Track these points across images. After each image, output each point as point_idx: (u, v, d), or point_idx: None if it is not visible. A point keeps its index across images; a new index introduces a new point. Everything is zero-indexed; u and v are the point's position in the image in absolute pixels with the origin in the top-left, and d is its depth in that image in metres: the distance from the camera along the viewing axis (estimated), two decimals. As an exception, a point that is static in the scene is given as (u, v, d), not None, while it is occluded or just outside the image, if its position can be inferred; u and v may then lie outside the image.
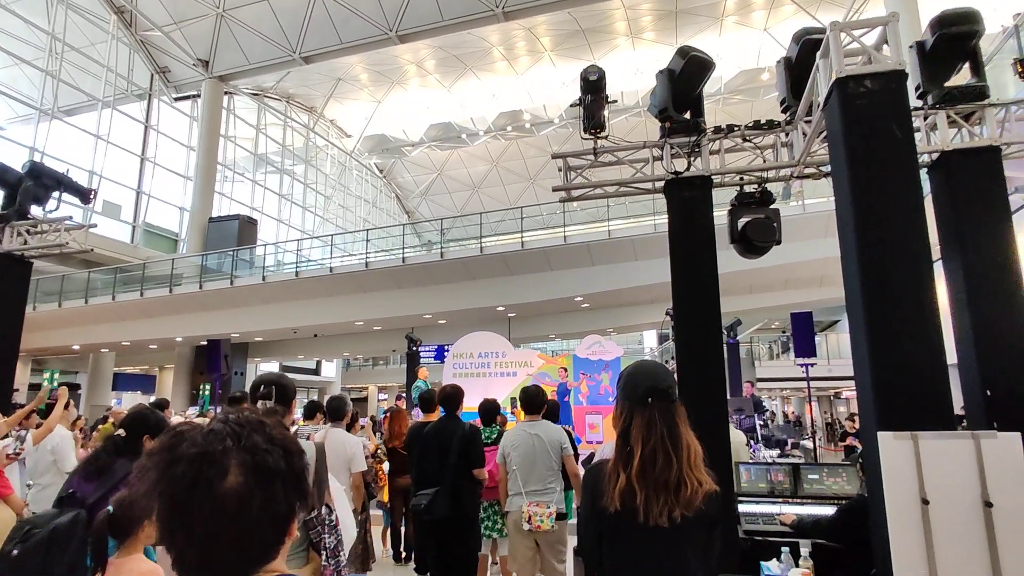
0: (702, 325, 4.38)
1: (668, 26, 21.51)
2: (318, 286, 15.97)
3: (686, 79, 4.62)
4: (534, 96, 27.28)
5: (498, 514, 4.51)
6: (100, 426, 7.93)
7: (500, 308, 15.69)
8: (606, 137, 4.80)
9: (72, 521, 2.07)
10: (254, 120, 26.46)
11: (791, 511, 3.92)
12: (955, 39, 3.95)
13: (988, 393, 3.69)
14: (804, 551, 2.79)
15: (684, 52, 4.58)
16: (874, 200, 3.09)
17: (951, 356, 3.06)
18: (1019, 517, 2.58)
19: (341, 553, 2.65)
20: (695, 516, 1.66)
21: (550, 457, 3.98)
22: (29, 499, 4.33)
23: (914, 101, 3.83)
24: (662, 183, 4.77)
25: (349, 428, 4.73)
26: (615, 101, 4.96)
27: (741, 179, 4.90)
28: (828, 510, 3.76)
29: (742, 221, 4.83)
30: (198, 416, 11.92)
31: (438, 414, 4.65)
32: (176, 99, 23.18)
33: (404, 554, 6.06)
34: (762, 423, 10.60)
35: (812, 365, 10.59)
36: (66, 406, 4.67)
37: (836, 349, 19.84)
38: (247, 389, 3.02)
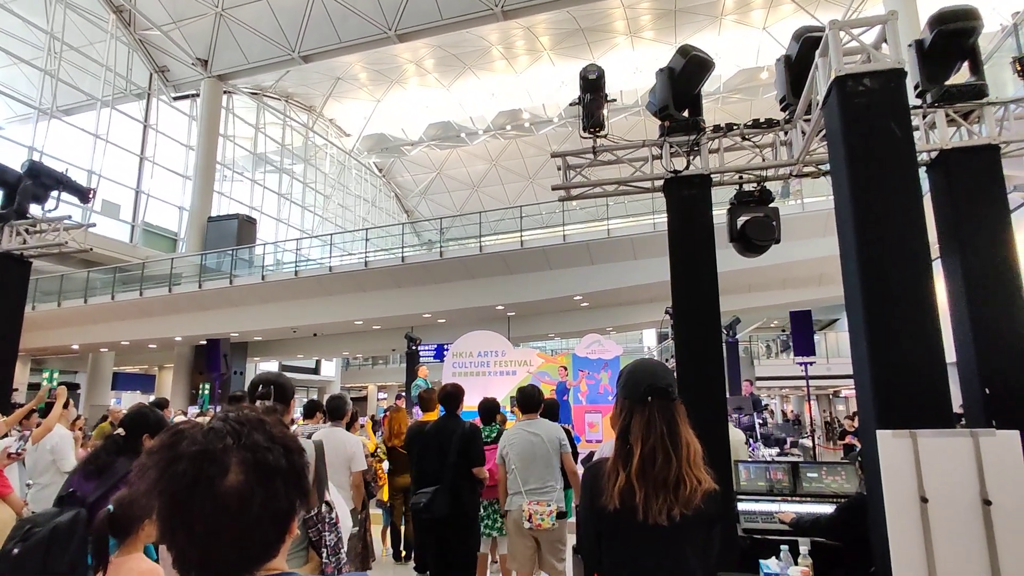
0: (701, 324, 4.38)
1: (667, 25, 21.50)
2: (317, 285, 15.97)
3: (686, 78, 4.62)
4: (533, 95, 27.28)
5: (498, 513, 4.52)
6: (99, 425, 7.94)
7: (499, 307, 15.69)
8: (605, 136, 4.80)
9: (72, 520, 2.08)
10: (253, 119, 26.44)
11: (790, 509, 3.92)
12: (954, 35, 3.95)
13: (987, 391, 3.70)
14: (803, 549, 2.79)
15: (685, 51, 4.59)
16: (873, 199, 3.09)
17: (950, 354, 3.06)
18: (1018, 515, 2.58)
19: (341, 551, 2.65)
20: (694, 515, 1.66)
21: (549, 455, 3.98)
22: (29, 498, 4.33)
23: (913, 100, 3.83)
24: (661, 182, 4.77)
25: (348, 427, 4.73)
26: (614, 100, 4.96)
27: (740, 178, 4.90)
28: (827, 508, 3.77)
29: (741, 220, 4.84)
30: (198, 415, 11.92)
31: (438, 413, 4.66)
32: (175, 98, 23.16)
33: (404, 553, 6.07)
34: (761, 421, 10.61)
35: (811, 364, 10.60)
36: (65, 405, 4.67)
37: (835, 348, 19.86)
38: (247, 388, 3.02)
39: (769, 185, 4.90)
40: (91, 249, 8.65)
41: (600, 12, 20.90)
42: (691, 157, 4.67)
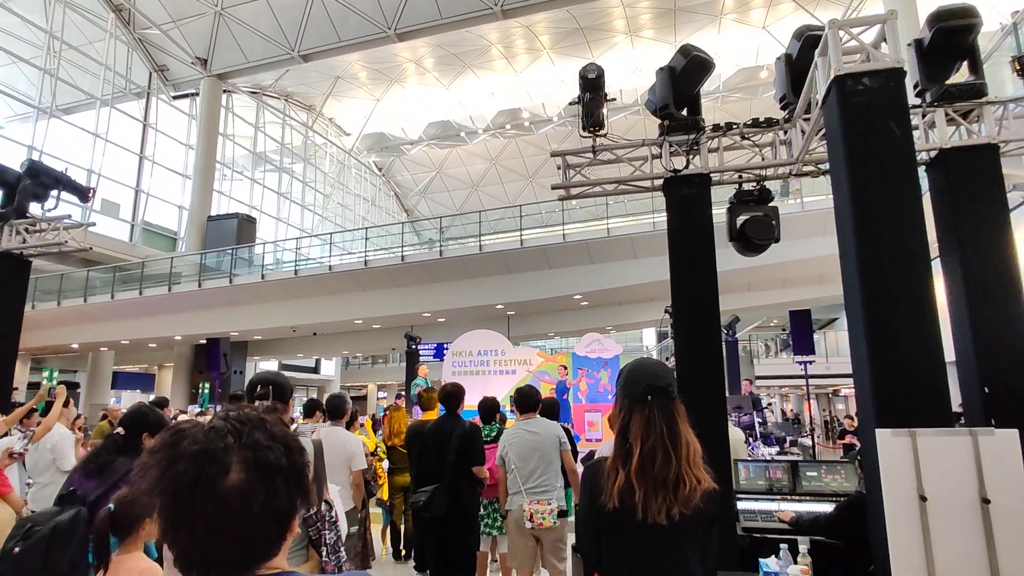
0: (701, 323, 4.38)
1: (667, 24, 21.49)
2: (317, 284, 15.96)
3: (686, 78, 4.63)
4: (533, 94, 27.26)
5: (498, 512, 4.52)
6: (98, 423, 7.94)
7: (499, 306, 15.69)
8: (605, 135, 4.80)
9: (73, 519, 2.08)
10: (253, 118, 26.42)
11: (790, 508, 3.93)
12: (953, 33, 3.95)
13: (986, 390, 3.70)
14: (803, 548, 2.80)
15: (686, 51, 4.58)
16: (872, 198, 3.09)
17: (949, 353, 3.07)
18: (1016, 514, 2.59)
19: (341, 549, 2.66)
20: (693, 514, 1.66)
21: (549, 454, 3.99)
22: (29, 497, 4.33)
23: (912, 99, 3.83)
24: (661, 181, 4.77)
25: (348, 427, 4.73)
26: (614, 99, 4.96)
27: (740, 177, 4.90)
28: (827, 507, 3.78)
29: (741, 219, 4.84)
30: (198, 415, 11.92)
31: (438, 412, 4.66)
32: (175, 97, 23.14)
33: (404, 552, 6.07)
34: (760, 420, 10.62)
35: (811, 363, 10.61)
36: (65, 404, 4.67)
37: (835, 347, 19.88)
38: (245, 388, 3.02)
39: (768, 184, 4.91)
40: (91, 248, 8.66)
41: (600, 11, 20.89)
42: (690, 156, 4.67)
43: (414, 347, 15.47)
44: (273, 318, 16.90)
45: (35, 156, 17.32)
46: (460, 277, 15.06)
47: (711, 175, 4.68)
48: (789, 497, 4.11)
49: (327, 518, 2.62)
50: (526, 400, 4.18)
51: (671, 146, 4.73)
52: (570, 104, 5.09)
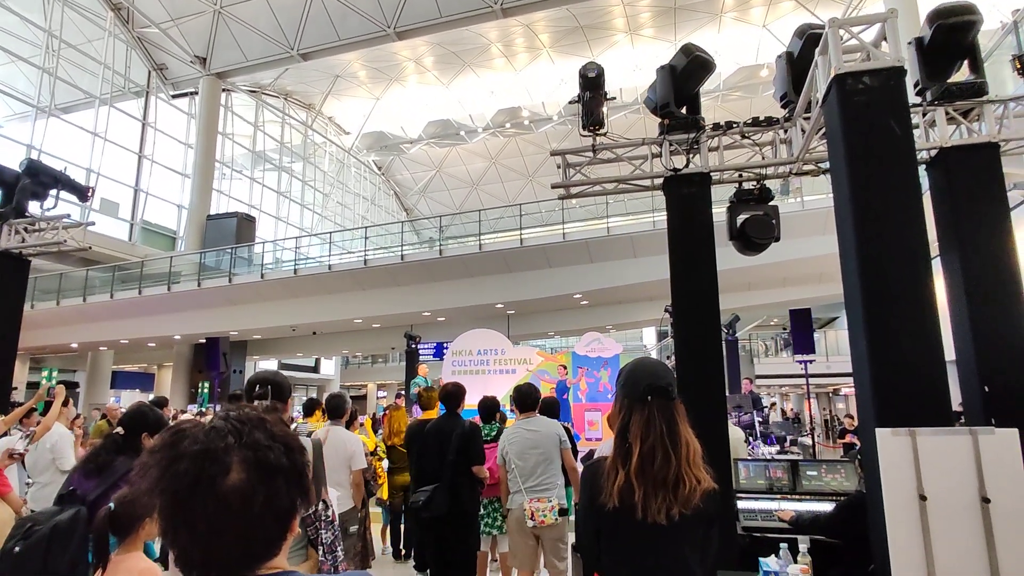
0: (701, 322, 4.38)
1: (667, 22, 21.47)
2: (317, 284, 15.96)
3: (687, 77, 4.62)
4: (533, 93, 27.24)
5: (498, 511, 4.52)
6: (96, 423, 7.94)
7: (499, 305, 15.69)
8: (605, 134, 4.79)
9: (73, 518, 2.08)
10: (252, 117, 26.40)
11: (790, 507, 3.93)
12: (953, 30, 3.94)
13: (986, 389, 3.70)
14: (803, 547, 2.80)
15: (688, 51, 4.58)
16: (873, 196, 3.09)
17: (949, 352, 3.07)
18: (1016, 513, 2.59)
19: (338, 548, 2.66)
20: (693, 514, 1.66)
21: (549, 452, 3.99)
22: (28, 497, 4.33)
23: (913, 98, 3.83)
24: (661, 180, 4.77)
25: (348, 426, 4.73)
26: (614, 98, 4.96)
27: (740, 176, 4.90)
28: (827, 506, 3.78)
29: (741, 218, 4.84)
30: (198, 415, 11.92)
31: (438, 412, 4.66)
32: (174, 96, 23.12)
33: (404, 551, 6.08)
34: (760, 419, 10.62)
35: (811, 362, 10.61)
36: (65, 403, 4.67)
37: (835, 346, 19.89)
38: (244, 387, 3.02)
39: (769, 183, 4.90)
40: (90, 247, 8.65)
41: (600, 9, 20.87)
42: (691, 155, 4.67)
43: (414, 346, 15.46)
44: (272, 317, 16.90)
45: (34, 155, 17.31)
46: (460, 276, 15.06)
47: (711, 174, 4.68)
48: (789, 496, 4.11)
49: (324, 518, 2.62)
50: (525, 398, 4.17)
51: (671, 145, 4.73)
52: (570, 103, 5.09)
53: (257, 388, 2.70)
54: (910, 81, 3.55)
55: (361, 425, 7.08)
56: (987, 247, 3.91)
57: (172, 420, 5.44)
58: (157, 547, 4.24)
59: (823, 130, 3.80)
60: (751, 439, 8.52)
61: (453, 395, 4.31)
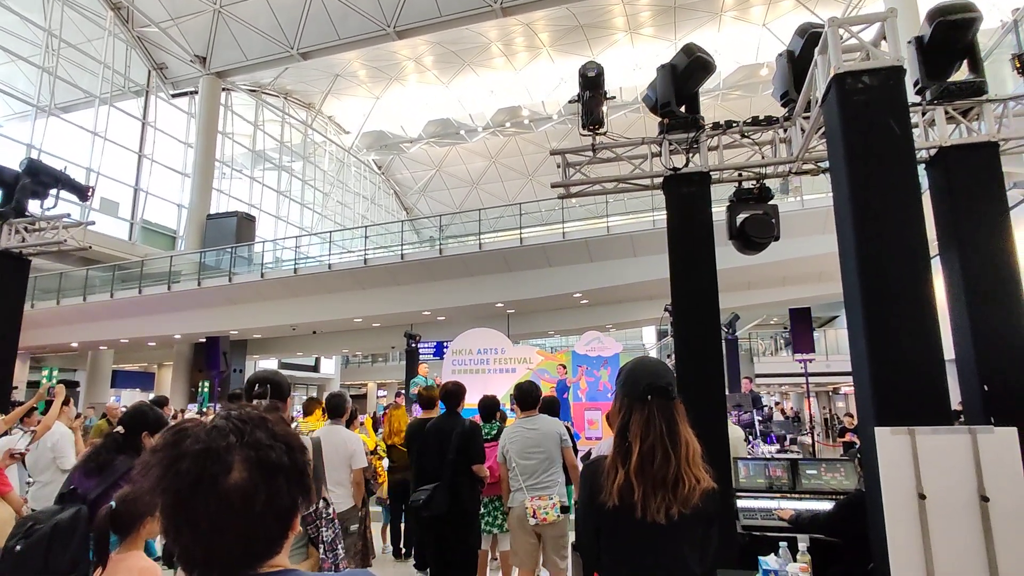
0: (701, 321, 4.38)
1: (667, 22, 21.47)
2: (317, 283, 15.96)
3: (687, 77, 4.62)
4: (532, 92, 27.24)
5: (498, 510, 4.53)
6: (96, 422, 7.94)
7: (499, 304, 15.69)
8: (604, 133, 4.79)
9: (74, 517, 2.08)
10: (252, 117, 26.40)
11: (789, 506, 3.93)
12: (953, 28, 3.94)
13: (985, 388, 3.71)
14: (802, 546, 2.81)
15: (690, 51, 4.58)
16: (872, 196, 3.09)
17: (948, 351, 3.07)
18: (1015, 512, 2.59)
19: (339, 546, 2.66)
20: (693, 513, 1.66)
21: (550, 450, 3.99)
22: (29, 496, 4.34)
23: (912, 97, 3.83)
24: (661, 179, 4.77)
25: (348, 425, 4.74)
26: (614, 97, 4.96)
27: (739, 175, 4.90)
28: (826, 505, 3.78)
29: (741, 217, 4.84)
30: (198, 413, 11.93)
31: (438, 411, 4.66)
32: (173, 96, 23.11)
33: (404, 550, 6.08)
34: (761, 419, 10.63)
35: (810, 361, 10.62)
36: (65, 403, 4.67)
37: (835, 345, 19.90)
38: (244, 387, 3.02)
39: (768, 182, 4.90)
40: (90, 247, 8.64)
41: (599, 9, 20.87)
42: (690, 154, 4.67)
43: (414, 345, 15.47)
44: (273, 317, 16.90)
45: (34, 154, 17.30)
46: (460, 275, 15.06)
47: (711, 173, 4.68)
48: (789, 495, 4.12)
49: (324, 516, 2.63)
50: (526, 396, 4.17)
51: (671, 144, 4.73)
52: (570, 102, 5.09)
53: (256, 387, 2.70)
54: (910, 80, 3.55)
55: (361, 424, 7.09)
56: (986, 246, 3.91)
57: (172, 419, 5.45)
58: (158, 546, 4.25)
59: (823, 129, 3.80)
60: (751, 438, 8.53)
61: (453, 394, 4.31)
